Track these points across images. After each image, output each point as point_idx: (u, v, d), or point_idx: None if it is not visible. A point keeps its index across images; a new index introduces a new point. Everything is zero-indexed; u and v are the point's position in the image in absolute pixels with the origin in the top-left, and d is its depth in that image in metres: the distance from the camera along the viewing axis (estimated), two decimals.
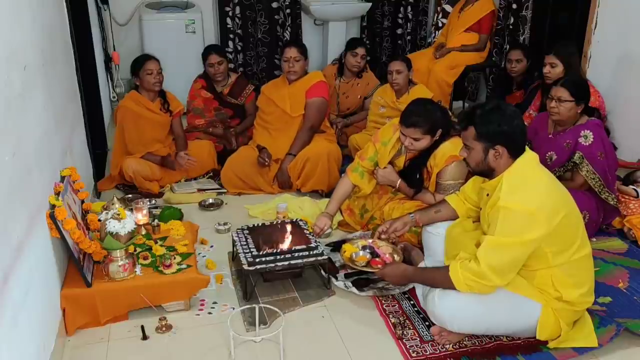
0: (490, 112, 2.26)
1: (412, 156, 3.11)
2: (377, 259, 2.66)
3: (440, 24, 5.59)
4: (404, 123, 2.95)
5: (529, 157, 2.28)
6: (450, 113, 3.26)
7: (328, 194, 3.62)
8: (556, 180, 2.35)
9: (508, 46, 4.98)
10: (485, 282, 2.19)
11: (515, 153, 2.25)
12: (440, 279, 2.33)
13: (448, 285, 2.27)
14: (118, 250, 2.46)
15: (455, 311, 2.29)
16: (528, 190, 2.18)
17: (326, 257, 2.76)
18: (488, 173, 2.31)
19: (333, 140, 4.07)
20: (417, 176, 3.09)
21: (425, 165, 3.06)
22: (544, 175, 2.28)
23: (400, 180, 3.13)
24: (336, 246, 3.09)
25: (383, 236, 2.78)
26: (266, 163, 3.80)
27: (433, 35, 5.69)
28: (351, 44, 4.65)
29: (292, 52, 3.89)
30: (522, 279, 2.28)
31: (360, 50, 4.59)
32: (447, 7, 5.54)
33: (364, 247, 2.73)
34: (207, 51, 4.42)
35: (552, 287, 2.25)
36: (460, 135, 2.39)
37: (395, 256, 2.71)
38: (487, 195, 2.33)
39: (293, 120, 3.93)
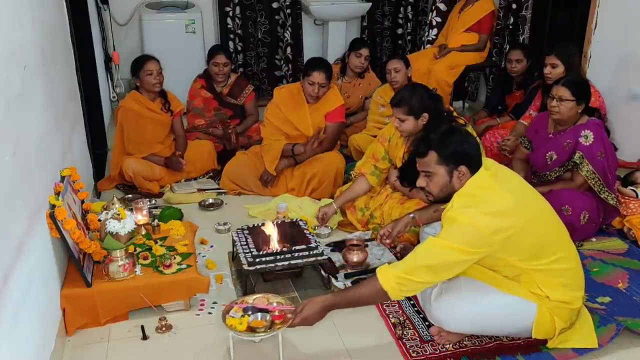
0: (447, 134, 2.26)
1: (411, 146, 3.15)
2: (276, 314, 2.25)
3: (434, 22, 5.55)
4: (391, 102, 3.12)
5: (482, 174, 2.20)
6: (452, 109, 3.32)
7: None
8: (518, 192, 2.24)
9: (508, 46, 4.99)
10: (414, 278, 2.10)
11: (475, 171, 2.21)
12: (367, 290, 2.19)
13: (377, 294, 2.16)
14: (118, 250, 2.46)
15: (450, 311, 2.29)
16: (475, 210, 2.10)
17: (326, 257, 2.76)
18: (451, 197, 2.23)
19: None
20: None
21: None
22: (498, 189, 2.17)
23: (395, 179, 3.22)
24: (336, 246, 3.10)
25: (387, 240, 2.78)
26: (268, 187, 3.78)
27: (427, 34, 5.65)
28: (355, 45, 4.65)
29: (320, 78, 3.64)
30: (513, 281, 2.28)
31: (365, 52, 4.59)
32: (441, 6, 5.49)
33: (245, 311, 2.26)
34: (216, 50, 4.41)
35: (538, 289, 2.24)
36: (417, 162, 2.31)
37: (283, 301, 2.36)
38: None
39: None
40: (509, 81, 4.61)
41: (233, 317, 2.22)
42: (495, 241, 2.10)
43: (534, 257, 2.20)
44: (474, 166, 2.22)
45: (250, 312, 2.25)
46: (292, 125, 3.80)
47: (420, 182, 2.31)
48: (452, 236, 2.11)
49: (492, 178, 2.21)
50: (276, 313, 2.24)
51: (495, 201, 2.14)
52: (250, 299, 2.34)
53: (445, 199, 2.26)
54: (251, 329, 2.19)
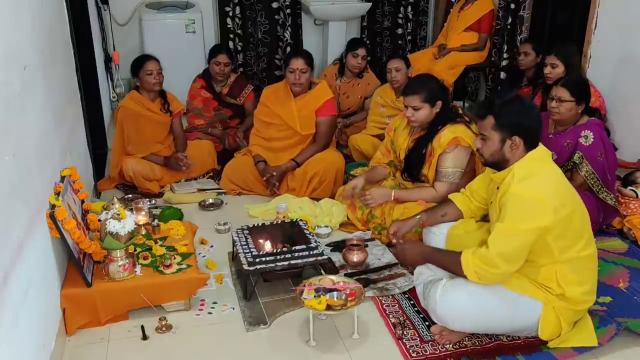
0: (510, 103, 2.34)
1: (417, 136, 3.20)
2: (348, 292, 2.38)
3: None
4: (404, 93, 3.13)
5: (542, 152, 2.31)
6: (459, 107, 3.33)
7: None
8: (565, 179, 2.37)
9: (506, 46, 4.98)
10: (493, 270, 2.21)
11: (530, 145, 2.28)
12: (451, 262, 2.35)
13: (458, 271, 2.30)
14: (118, 250, 2.46)
15: (456, 310, 2.30)
16: (538, 180, 2.21)
17: (326, 257, 2.76)
18: (501, 164, 2.32)
19: (334, 147, 3.96)
20: (423, 152, 3.15)
21: (431, 142, 3.11)
22: (554, 170, 2.31)
23: (393, 190, 3.20)
24: (336, 246, 3.10)
25: (394, 239, 2.79)
26: (276, 191, 3.72)
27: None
28: (352, 45, 4.65)
29: (298, 64, 3.65)
30: (523, 278, 2.29)
31: (361, 51, 4.59)
32: None
33: (317, 291, 2.38)
34: (219, 49, 4.41)
35: (555, 282, 2.26)
36: (477, 124, 2.44)
37: (348, 281, 2.49)
38: (498, 188, 2.35)
39: (301, 137, 3.78)
40: (519, 75, 4.57)
41: (307, 298, 2.36)
42: (557, 209, 2.16)
43: (573, 244, 2.25)
44: (530, 140, 2.27)
45: (322, 293, 2.37)
46: (278, 117, 3.78)
47: (477, 142, 2.39)
48: (517, 216, 2.18)
49: (550, 156, 2.31)
50: (347, 292, 2.37)
51: (554, 175, 2.25)
52: (316, 281, 2.46)
53: (495, 165, 2.34)
54: (329, 307, 2.34)
